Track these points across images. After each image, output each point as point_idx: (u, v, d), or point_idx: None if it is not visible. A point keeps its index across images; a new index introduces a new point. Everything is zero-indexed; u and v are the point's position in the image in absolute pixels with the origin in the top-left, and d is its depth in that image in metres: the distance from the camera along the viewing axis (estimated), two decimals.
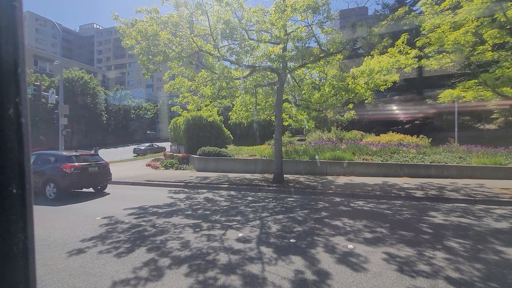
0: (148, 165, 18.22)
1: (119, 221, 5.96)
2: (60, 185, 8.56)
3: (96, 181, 9.59)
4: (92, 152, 11.17)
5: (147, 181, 11.43)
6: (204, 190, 9.73)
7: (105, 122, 44.80)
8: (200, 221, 5.88)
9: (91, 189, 9.97)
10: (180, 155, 17.96)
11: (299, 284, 3.21)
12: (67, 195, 8.80)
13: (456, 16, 8.77)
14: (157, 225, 5.62)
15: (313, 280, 3.30)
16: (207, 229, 5.32)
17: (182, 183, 10.68)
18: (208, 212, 6.60)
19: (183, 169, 15.56)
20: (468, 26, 8.75)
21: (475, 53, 9.54)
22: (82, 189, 9.71)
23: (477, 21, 8.71)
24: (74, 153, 9.53)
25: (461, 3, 8.64)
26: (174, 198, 8.30)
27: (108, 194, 9.49)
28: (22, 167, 0.43)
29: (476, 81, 10.67)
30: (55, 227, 5.57)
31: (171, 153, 19.83)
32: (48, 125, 33.24)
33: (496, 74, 9.82)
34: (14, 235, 0.43)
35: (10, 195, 0.41)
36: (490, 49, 9.34)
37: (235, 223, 5.70)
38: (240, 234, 4.97)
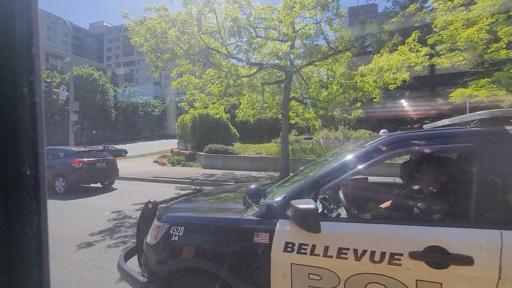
0: (156, 161, 18.45)
1: (127, 215, 6.04)
2: (69, 179, 8.74)
3: (104, 176, 9.76)
4: (101, 148, 11.37)
5: (154, 177, 11.56)
6: (210, 187, 9.77)
7: (113, 118, 45.52)
8: None
9: (98, 184, 10.15)
10: (187, 152, 18.11)
11: None
12: (75, 189, 8.98)
13: (469, 13, 8.54)
14: None
15: None
16: None
17: (189, 180, 10.76)
18: None
19: (189, 166, 15.68)
20: (482, 23, 8.51)
21: (488, 51, 9.29)
22: (90, 184, 9.89)
23: (491, 18, 8.46)
24: (83, 149, 9.71)
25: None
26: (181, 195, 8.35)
27: (116, 189, 9.64)
28: (36, 148, 0.42)
29: (489, 79, 10.40)
30: (64, 220, 5.69)
31: (178, 150, 20.01)
32: (59, 121, 33.96)
33: (510, 72, 9.55)
34: (27, 218, 0.42)
35: (23, 177, 0.41)
36: (504, 47, 9.07)
37: None
38: None
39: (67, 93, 16.59)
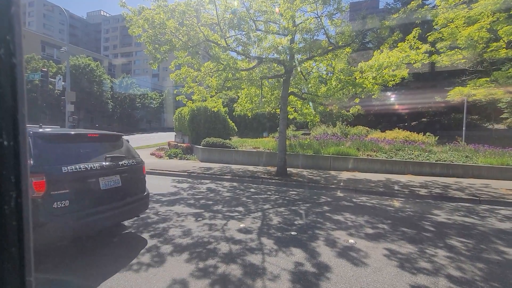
0: (152, 154, 18.36)
1: None
2: None
3: None
4: None
5: (151, 169, 11.51)
6: (207, 181, 9.79)
7: (110, 110, 45.09)
8: (202, 210, 5.93)
9: None
10: (184, 145, 18.04)
11: (299, 275, 3.23)
12: None
13: (471, 11, 8.50)
14: (160, 212, 5.68)
15: (313, 272, 3.32)
16: (209, 218, 5.37)
17: (186, 173, 10.75)
18: (211, 202, 6.65)
19: (187, 159, 15.63)
20: (483, 21, 8.48)
21: (488, 50, 9.28)
22: None
23: (492, 17, 8.43)
24: None
25: None
26: (178, 187, 8.36)
27: None
28: (15, 116, 0.38)
29: (487, 79, 10.41)
30: None
31: (176, 143, 19.93)
32: (55, 111, 33.59)
33: (509, 72, 9.56)
34: (4, 193, 0.39)
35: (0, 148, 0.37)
36: (504, 46, 9.06)
37: (236, 213, 5.74)
38: (242, 225, 5.01)
39: (63, 83, 16.37)
